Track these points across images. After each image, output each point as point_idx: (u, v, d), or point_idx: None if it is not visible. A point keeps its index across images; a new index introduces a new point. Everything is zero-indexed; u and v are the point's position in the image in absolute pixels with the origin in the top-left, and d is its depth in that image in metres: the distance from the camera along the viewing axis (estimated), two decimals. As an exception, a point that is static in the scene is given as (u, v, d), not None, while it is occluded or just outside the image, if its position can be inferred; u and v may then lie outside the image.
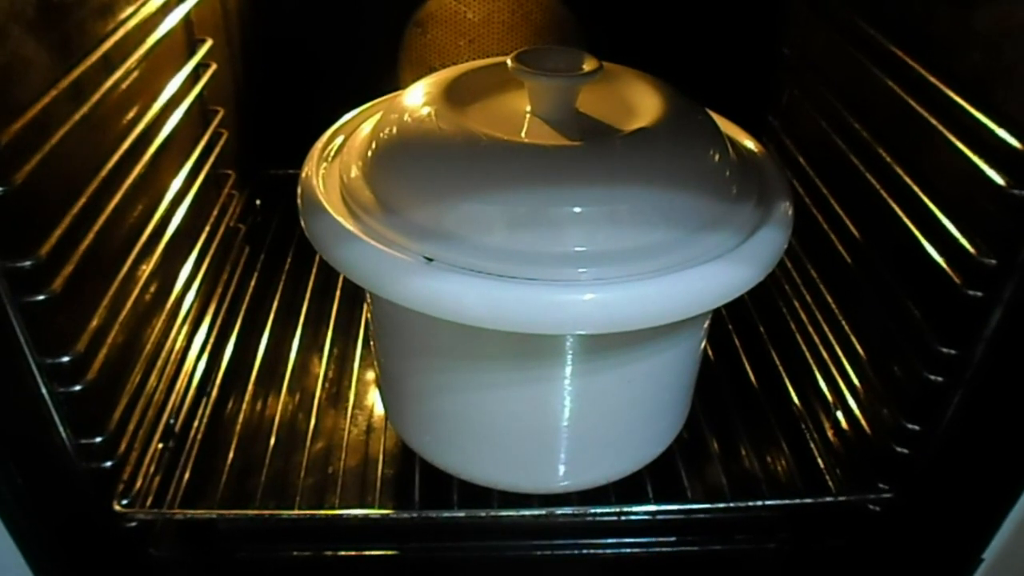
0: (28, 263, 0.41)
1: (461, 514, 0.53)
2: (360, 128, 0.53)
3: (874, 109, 0.57)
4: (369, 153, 0.49)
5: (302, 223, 0.47)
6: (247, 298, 0.75)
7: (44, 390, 0.45)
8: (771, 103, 0.76)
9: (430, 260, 0.41)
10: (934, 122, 0.49)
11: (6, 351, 0.42)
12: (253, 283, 0.76)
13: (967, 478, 0.50)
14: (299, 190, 0.48)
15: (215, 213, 0.72)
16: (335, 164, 0.51)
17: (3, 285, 0.41)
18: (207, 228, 0.69)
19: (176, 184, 0.61)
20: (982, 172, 0.44)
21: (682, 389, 0.54)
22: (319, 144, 0.52)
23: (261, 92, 0.85)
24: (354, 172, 0.48)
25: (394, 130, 0.48)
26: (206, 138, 0.69)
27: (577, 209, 0.42)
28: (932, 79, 0.49)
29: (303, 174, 0.49)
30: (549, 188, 0.43)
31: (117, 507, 0.52)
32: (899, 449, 0.52)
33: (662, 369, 0.50)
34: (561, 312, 0.40)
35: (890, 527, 0.55)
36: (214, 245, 0.70)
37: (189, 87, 0.65)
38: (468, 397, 0.50)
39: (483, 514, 0.53)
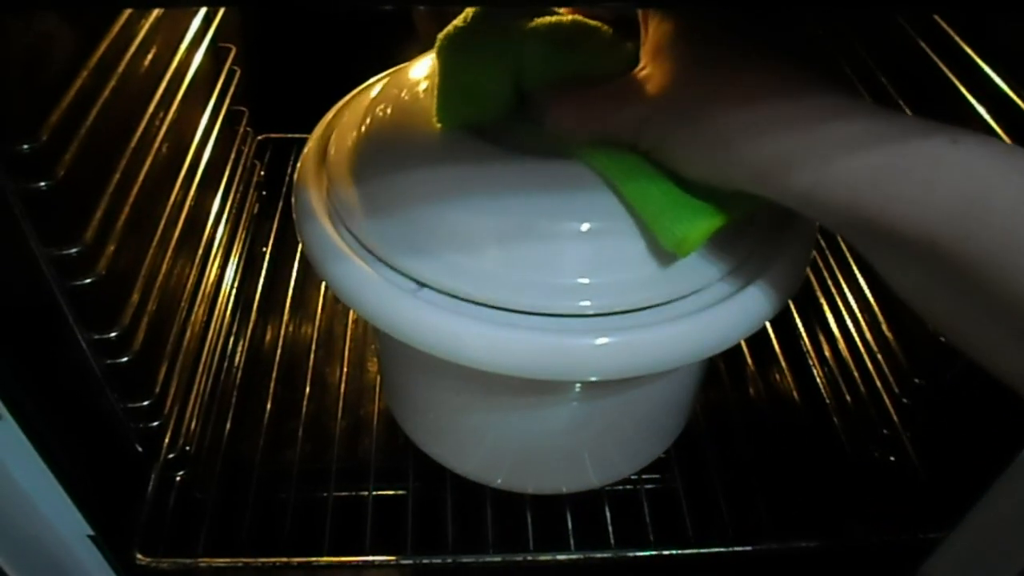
0: (75, 250, 0.42)
1: (497, 559, 0.53)
2: (356, 117, 0.48)
3: (900, 62, 0.57)
4: (358, 158, 0.44)
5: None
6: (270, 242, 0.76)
7: (93, 364, 0.47)
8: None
9: (421, 286, 0.39)
10: (961, 87, 0.49)
11: (57, 327, 0.44)
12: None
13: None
14: (295, 179, 0.46)
15: (232, 155, 0.72)
16: (334, 158, 0.47)
17: (52, 273, 0.42)
18: (227, 173, 0.70)
19: (198, 136, 0.61)
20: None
21: (683, 401, 0.53)
22: (320, 127, 0.49)
23: (269, 27, 0.83)
24: (345, 175, 0.45)
25: (382, 135, 0.44)
26: (222, 77, 0.69)
27: (586, 231, 0.39)
28: (963, 44, 0.48)
29: (299, 166, 0.46)
30: (551, 209, 0.39)
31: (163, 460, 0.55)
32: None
33: (663, 389, 0.49)
34: (571, 358, 0.37)
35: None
36: (233, 194, 0.71)
37: (204, 29, 0.63)
38: (464, 415, 0.50)
39: (519, 558, 0.53)
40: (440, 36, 0.42)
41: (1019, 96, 0.44)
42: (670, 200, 0.37)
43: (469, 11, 0.42)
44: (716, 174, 0.35)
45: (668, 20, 0.38)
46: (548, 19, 0.43)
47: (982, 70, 0.47)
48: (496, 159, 0.41)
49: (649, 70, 0.37)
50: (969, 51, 0.48)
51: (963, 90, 0.48)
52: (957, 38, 0.49)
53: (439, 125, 0.42)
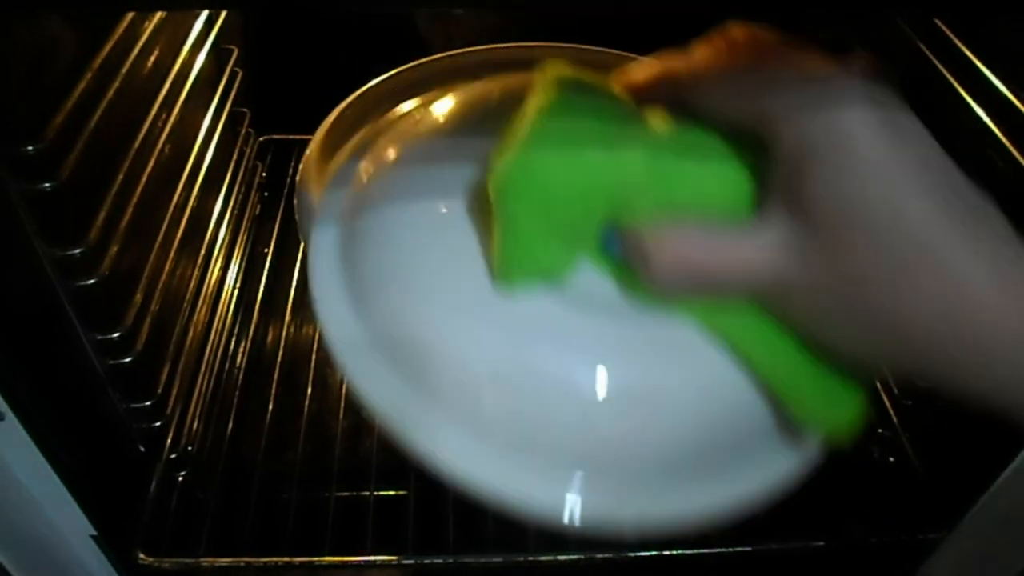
0: (79, 251, 0.42)
1: (498, 559, 0.53)
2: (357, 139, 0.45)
3: (899, 64, 0.57)
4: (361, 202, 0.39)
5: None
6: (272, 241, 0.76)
7: (96, 364, 0.47)
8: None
9: None
10: (960, 90, 0.49)
11: (60, 327, 0.45)
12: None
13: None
14: (297, 180, 0.46)
15: (234, 157, 0.72)
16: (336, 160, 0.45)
17: (56, 274, 0.42)
18: (229, 174, 0.70)
19: (200, 137, 0.61)
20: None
21: None
22: (322, 129, 0.49)
23: (271, 29, 0.83)
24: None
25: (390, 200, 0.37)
26: (224, 78, 0.69)
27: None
28: (962, 47, 0.49)
29: (301, 168, 0.46)
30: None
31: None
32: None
33: None
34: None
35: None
36: (235, 195, 0.71)
37: (207, 31, 0.63)
38: None
39: (521, 559, 0.53)
40: (498, 168, 0.31)
41: (1019, 100, 0.44)
42: (818, 378, 0.30)
43: (530, 122, 0.31)
44: (894, 363, 0.28)
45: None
46: (648, 125, 0.32)
47: (982, 73, 0.47)
48: (566, 311, 0.32)
49: (800, 221, 0.27)
50: (968, 54, 0.48)
51: (963, 93, 0.49)
52: (957, 41, 0.49)
53: (501, 283, 0.32)
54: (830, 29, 0.68)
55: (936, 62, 0.51)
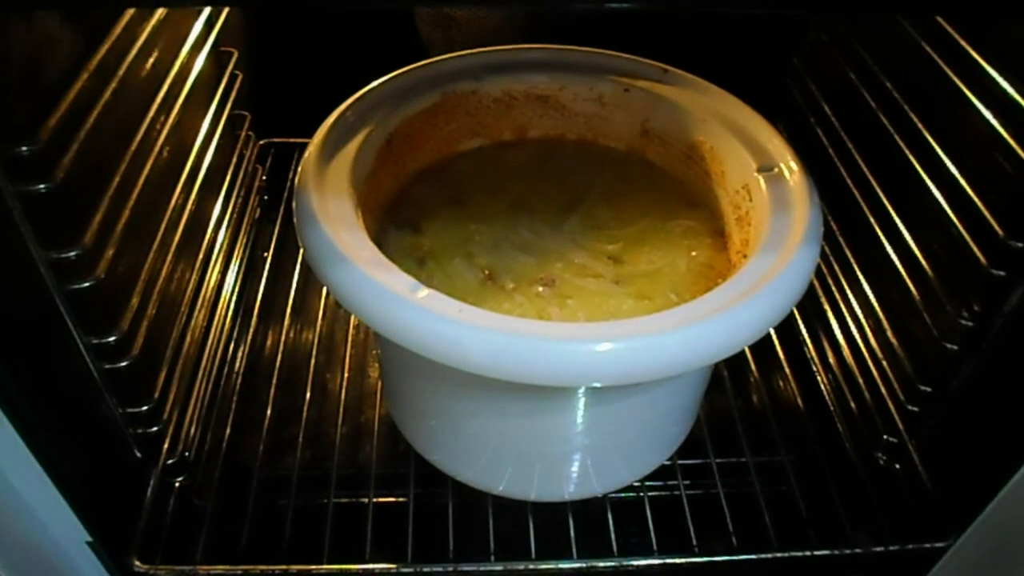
0: (74, 253, 0.42)
1: (499, 567, 0.53)
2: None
3: (904, 65, 0.56)
4: None
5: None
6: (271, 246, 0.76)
7: (92, 368, 0.47)
8: (795, 43, 0.74)
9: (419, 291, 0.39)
10: (967, 92, 0.48)
11: (55, 331, 0.44)
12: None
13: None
14: (296, 183, 0.46)
15: (234, 160, 0.72)
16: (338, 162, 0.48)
17: (51, 276, 0.42)
18: (229, 177, 0.70)
19: (199, 140, 0.61)
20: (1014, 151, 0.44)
21: (686, 408, 0.54)
22: (321, 132, 0.50)
23: (271, 32, 0.83)
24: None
25: None
26: (224, 81, 0.68)
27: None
28: (966, 45, 0.48)
29: (300, 171, 0.47)
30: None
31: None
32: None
33: (666, 396, 0.50)
34: (573, 364, 0.37)
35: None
36: (235, 199, 0.71)
37: (206, 33, 0.63)
38: (466, 421, 0.50)
39: (521, 567, 0.53)
40: None
41: (1027, 101, 0.44)
42: None
43: None
44: None
45: None
46: None
47: (987, 73, 0.46)
48: None
49: None
50: (974, 54, 0.47)
51: (969, 94, 0.48)
52: (961, 40, 0.49)
53: None
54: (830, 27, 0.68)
55: (940, 62, 0.50)
